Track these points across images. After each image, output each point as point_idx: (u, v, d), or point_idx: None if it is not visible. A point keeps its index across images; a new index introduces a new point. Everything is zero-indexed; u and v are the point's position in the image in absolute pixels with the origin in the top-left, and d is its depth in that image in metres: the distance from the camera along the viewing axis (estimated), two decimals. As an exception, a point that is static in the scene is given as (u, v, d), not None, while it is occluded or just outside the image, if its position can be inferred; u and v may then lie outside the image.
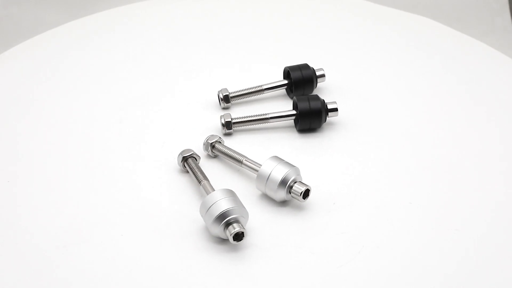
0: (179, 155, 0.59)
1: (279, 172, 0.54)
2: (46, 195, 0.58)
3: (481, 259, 0.53)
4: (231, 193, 0.53)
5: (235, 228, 0.51)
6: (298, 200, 0.55)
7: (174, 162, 0.60)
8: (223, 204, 0.52)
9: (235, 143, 0.62)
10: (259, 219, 0.55)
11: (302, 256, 0.52)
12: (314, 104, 0.62)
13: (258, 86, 0.66)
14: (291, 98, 0.65)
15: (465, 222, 0.56)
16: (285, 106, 0.66)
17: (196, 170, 0.58)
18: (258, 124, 0.63)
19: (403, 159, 0.62)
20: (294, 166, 0.55)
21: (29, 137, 0.64)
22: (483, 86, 0.72)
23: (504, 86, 0.72)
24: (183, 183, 0.59)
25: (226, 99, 0.65)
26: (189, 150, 0.59)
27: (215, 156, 0.60)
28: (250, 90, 0.66)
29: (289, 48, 0.78)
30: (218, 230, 0.52)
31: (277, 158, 0.56)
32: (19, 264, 0.52)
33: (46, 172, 0.60)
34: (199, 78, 0.72)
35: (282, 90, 0.68)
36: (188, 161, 0.59)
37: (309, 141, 0.63)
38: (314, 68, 0.67)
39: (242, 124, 0.63)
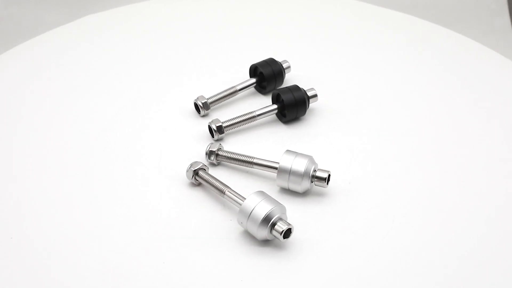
0: (189, 169, 0.57)
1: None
2: (44, 195, 0.58)
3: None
4: (264, 194, 0.53)
5: (284, 226, 0.51)
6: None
7: (179, 174, 0.59)
8: (264, 207, 0.51)
9: (229, 144, 0.62)
10: (288, 214, 0.54)
11: (347, 237, 0.54)
12: (298, 95, 0.64)
13: (231, 88, 0.67)
14: (284, 122, 0.65)
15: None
16: (258, 102, 0.67)
17: (214, 180, 0.57)
18: (246, 123, 0.64)
19: (402, 152, 0.62)
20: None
21: (29, 137, 0.64)
22: (482, 87, 0.72)
23: (502, 87, 0.72)
24: (195, 196, 0.58)
25: (205, 106, 0.65)
26: (197, 162, 0.58)
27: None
28: (225, 94, 0.66)
29: (289, 48, 0.78)
30: (265, 232, 0.52)
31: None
32: (19, 264, 0.52)
33: (44, 173, 0.60)
34: (198, 79, 0.72)
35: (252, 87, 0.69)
36: (199, 173, 0.58)
37: (299, 129, 0.65)
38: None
39: (232, 127, 0.63)
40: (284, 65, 0.69)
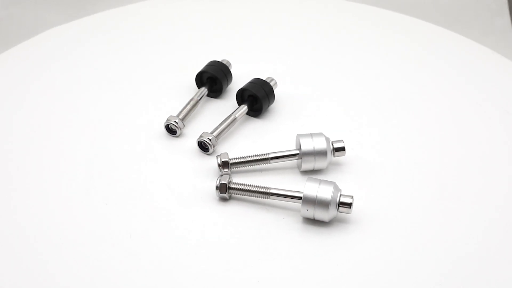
0: (220, 184, 0.55)
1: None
2: (43, 195, 0.58)
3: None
4: (315, 178, 0.54)
5: (350, 199, 0.53)
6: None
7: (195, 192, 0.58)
8: (326, 189, 0.53)
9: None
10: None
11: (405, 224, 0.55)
12: (266, 87, 0.64)
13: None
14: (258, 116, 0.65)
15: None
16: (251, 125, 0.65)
17: (251, 187, 0.56)
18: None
19: (405, 154, 0.62)
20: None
21: (29, 137, 0.64)
22: (482, 87, 0.72)
23: (502, 87, 0.72)
24: (227, 211, 0.57)
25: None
26: (224, 177, 0.56)
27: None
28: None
29: (288, 48, 0.78)
30: (335, 211, 0.53)
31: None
32: (18, 265, 0.52)
33: (44, 173, 0.60)
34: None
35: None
36: (231, 188, 0.56)
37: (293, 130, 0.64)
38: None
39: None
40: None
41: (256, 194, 0.56)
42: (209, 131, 0.62)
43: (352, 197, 0.53)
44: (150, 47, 0.78)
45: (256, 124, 0.65)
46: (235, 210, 0.56)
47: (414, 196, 0.58)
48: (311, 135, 0.58)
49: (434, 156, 0.62)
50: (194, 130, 0.64)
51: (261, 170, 0.60)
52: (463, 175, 0.60)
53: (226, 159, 0.58)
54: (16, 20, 0.99)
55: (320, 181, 0.53)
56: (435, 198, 0.58)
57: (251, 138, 0.64)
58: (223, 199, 0.57)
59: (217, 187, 0.56)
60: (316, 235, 0.54)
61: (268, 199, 0.56)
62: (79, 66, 0.74)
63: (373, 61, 0.76)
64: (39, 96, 0.69)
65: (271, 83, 0.66)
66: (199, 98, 0.65)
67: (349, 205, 0.53)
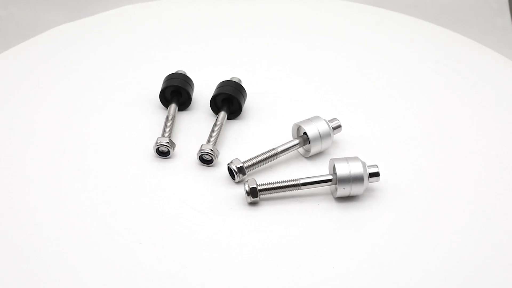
0: (250, 189, 0.55)
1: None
2: (43, 195, 0.58)
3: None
4: (340, 158, 0.56)
5: (375, 168, 0.56)
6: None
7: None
8: (355, 164, 0.55)
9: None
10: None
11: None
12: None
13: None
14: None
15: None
16: (301, 166, 0.62)
17: (280, 183, 0.56)
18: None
19: (402, 152, 0.62)
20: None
21: (28, 137, 0.64)
22: (483, 87, 0.72)
23: (503, 87, 0.72)
24: (258, 214, 0.57)
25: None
26: (251, 180, 0.56)
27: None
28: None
29: (288, 49, 0.78)
30: (367, 183, 0.56)
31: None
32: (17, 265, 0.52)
33: (43, 173, 0.60)
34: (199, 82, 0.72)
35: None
36: (261, 190, 0.56)
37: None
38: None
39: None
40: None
41: (286, 189, 0.56)
42: (205, 143, 0.60)
43: (377, 166, 0.56)
44: (151, 48, 0.78)
45: (238, 126, 0.65)
46: (266, 210, 0.56)
47: (413, 196, 0.58)
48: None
49: (433, 155, 0.62)
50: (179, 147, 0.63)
51: (270, 167, 0.61)
52: (461, 174, 0.60)
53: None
54: (16, 20, 0.99)
55: (347, 159, 0.56)
56: (433, 199, 0.58)
57: (245, 141, 0.63)
58: (254, 203, 0.56)
59: (247, 192, 0.56)
60: (355, 210, 0.56)
61: (292, 192, 0.57)
62: (78, 67, 0.74)
63: (373, 61, 0.76)
64: (39, 96, 0.69)
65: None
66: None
67: (377, 174, 0.56)
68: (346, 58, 0.77)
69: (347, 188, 0.56)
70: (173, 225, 0.55)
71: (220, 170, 0.60)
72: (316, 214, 0.56)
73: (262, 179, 0.58)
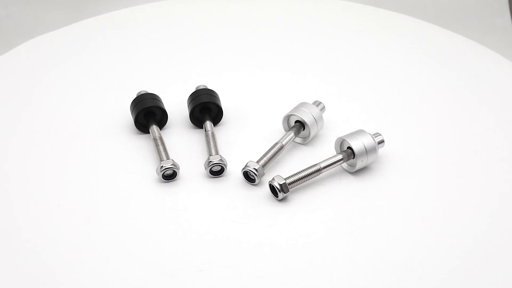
0: (283, 187, 0.56)
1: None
2: (42, 195, 0.58)
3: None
4: (348, 136, 0.59)
5: (381, 135, 0.60)
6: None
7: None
8: (366, 137, 0.59)
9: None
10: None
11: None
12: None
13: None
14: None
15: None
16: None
17: (303, 172, 0.57)
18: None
19: (401, 152, 0.62)
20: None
21: (28, 138, 0.64)
22: (482, 87, 0.72)
23: (502, 87, 0.72)
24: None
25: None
26: (277, 177, 0.56)
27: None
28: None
29: (288, 49, 0.78)
30: (378, 151, 0.59)
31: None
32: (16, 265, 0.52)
33: (44, 174, 0.60)
34: (200, 82, 0.72)
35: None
36: (290, 183, 0.57)
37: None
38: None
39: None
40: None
41: (310, 177, 0.58)
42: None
43: (381, 134, 0.60)
44: (152, 49, 0.78)
45: (223, 131, 0.64)
46: (297, 202, 0.57)
47: (412, 196, 0.58)
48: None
49: (433, 155, 0.62)
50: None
51: (277, 161, 0.61)
52: (462, 174, 0.61)
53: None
54: (16, 20, 0.99)
55: (355, 134, 0.59)
56: (433, 199, 0.58)
57: (239, 145, 0.63)
58: (283, 199, 0.57)
59: (278, 189, 0.56)
60: (373, 178, 0.60)
61: (312, 179, 0.58)
62: (79, 68, 0.74)
63: (373, 61, 0.76)
64: (39, 97, 0.69)
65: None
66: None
67: (383, 141, 0.60)
68: (346, 58, 0.77)
69: (364, 160, 0.59)
70: (234, 245, 0.54)
71: (230, 177, 0.59)
72: (345, 191, 0.58)
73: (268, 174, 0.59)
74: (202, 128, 0.63)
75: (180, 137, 0.64)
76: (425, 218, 0.56)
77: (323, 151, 0.62)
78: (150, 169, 0.59)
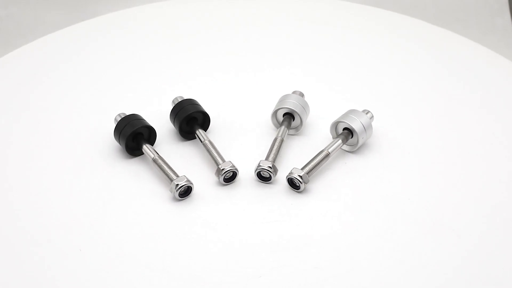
0: (304, 178, 0.56)
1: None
2: (41, 195, 0.58)
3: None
4: (344, 116, 0.61)
5: (370, 112, 0.63)
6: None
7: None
8: (358, 113, 0.61)
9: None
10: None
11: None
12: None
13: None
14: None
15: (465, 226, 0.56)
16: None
17: (316, 159, 0.58)
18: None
19: (403, 157, 0.62)
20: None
21: (28, 138, 0.64)
22: (483, 87, 0.72)
23: (503, 87, 0.72)
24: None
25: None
26: (294, 169, 0.57)
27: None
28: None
29: (287, 50, 0.78)
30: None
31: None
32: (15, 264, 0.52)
33: (44, 175, 0.60)
34: (201, 83, 0.72)
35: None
36: (308, 172, 0.57)
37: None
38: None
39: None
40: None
41: (321, 163, 0.59)
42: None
43: (369, 111, 0.63)
44: (152, 50, 0.78)
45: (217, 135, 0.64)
46: (316, 190, 0.58)
47: (413, 195, 0.58)
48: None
49: (433, 155, 0.62)
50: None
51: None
52: (462, 175, 0.61)
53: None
54: (16, 20, 0.99)
55: (348, 114, 0.61)
56: (433, 199, 0.58)
57: (237, 146, 0.63)
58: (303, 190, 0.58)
59: (299, 181, 0.57)
60: (375, 155, 0.62)
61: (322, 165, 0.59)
62: (79, 69, 0.74)
63: (373, 61, 0.76)
64: (40, 98, 0.69)
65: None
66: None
67: (373, 115, 0.63)
68: (345, 58, 0.77)
69: (365, 136, 0.61)
70: (284, 244, 0.54)
71: (241, 180, 0.59)
72: (355, 170, 0.60)
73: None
74: (192, 139, 0.62)
75: (176, 151, 0.62)
76: (438, 180, 0.59)
77: (311, 139, 0.63)
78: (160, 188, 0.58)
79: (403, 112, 0.68)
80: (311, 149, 0.61)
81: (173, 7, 0.86)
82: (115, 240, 0.53)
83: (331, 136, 0.63)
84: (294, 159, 0.61)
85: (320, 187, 0.58)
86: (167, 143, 0.63)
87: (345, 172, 0.60)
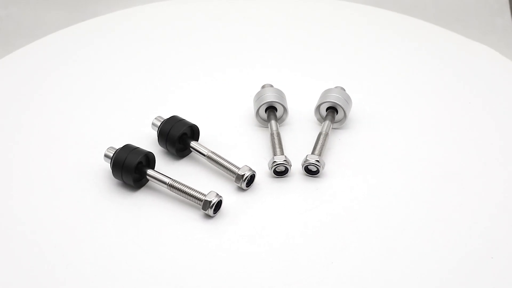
0: (322, 165, 0.58)
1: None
2: (42, 194, 0.58)
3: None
4: (324, 96, 0.64)
5: (343, 87, 0.66)
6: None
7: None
8: (339, 91, 0.63)
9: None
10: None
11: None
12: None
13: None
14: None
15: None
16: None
17: (319, 143, 0.59)
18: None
19: (403, 157, 0.62)
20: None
21: (28, 139, 0.64)
22: (483, 87, 0.72)
23: (503, 87, 0.72)
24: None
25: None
26: (310, 156, 0.58)
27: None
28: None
29: (287, 50, 0.78)
30: None
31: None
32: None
33: (44, 175, 0.60)
34: (202, 83, 0.72)
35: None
36: (308, 168, 0.59)
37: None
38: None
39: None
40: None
41: (326, 145, 0.61)
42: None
43: (341, 87, 0.65)
44: (153, 50, 0.78)
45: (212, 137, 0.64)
46: (331, 174, 0.60)
47: (412, 196, 0.58)
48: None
49: (433, 155, 0.62)
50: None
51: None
52: (462, 175, 0.61)
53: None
54: (16, 20, 0.99)
55: (326, 93, 0.63)
56: (432, 200, 0.58)
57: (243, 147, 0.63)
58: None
59: (318, 166, 0.58)
60: (367, 131, 0.65)
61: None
62: (80, 69, 0.74)
63: (373, 61, 0.76)
64: (40, 99, 0.69)
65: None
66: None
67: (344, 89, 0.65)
68: (345, 58, 0.77)
69: (348, 109, 0.63)
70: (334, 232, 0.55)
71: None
72: (351, 144, 0.63)
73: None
74: (186, 155, 0.61)
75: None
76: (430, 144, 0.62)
77: (298, 131, 0.65)
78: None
79: (403, 113, 0.68)
80: (304, 141, 0.63)
81: (173, 7, 0.86)
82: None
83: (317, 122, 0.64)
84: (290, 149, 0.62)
85: (331, 166, 0.60)
86: (165, 165, 0.61)
87: (344, 147, 0.62)
